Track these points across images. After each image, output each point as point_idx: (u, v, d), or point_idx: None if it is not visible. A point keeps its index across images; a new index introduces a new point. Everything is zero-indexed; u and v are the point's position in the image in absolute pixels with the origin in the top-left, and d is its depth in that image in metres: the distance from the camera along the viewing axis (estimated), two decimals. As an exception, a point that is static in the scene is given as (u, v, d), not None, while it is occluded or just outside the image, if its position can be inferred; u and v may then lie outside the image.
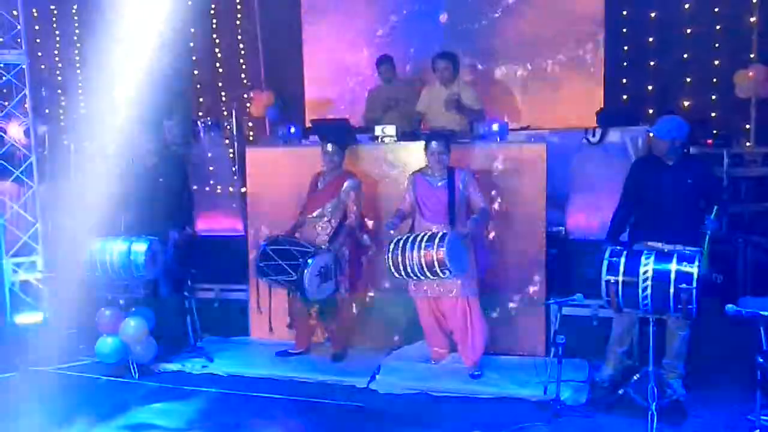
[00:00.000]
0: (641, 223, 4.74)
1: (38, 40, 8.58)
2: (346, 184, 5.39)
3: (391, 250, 4.85)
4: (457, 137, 5.64)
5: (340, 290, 5.37)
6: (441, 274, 4.74)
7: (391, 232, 5.03)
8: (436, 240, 4.71)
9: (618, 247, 4.38)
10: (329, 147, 5.40)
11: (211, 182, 6.93)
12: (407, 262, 4.76)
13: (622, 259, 4.24)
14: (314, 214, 5.38)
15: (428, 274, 4.76)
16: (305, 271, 5.03)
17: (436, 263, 4.68)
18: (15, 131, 6.68)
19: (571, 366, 4.88)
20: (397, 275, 4.90)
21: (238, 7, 9.14)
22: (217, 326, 6.13)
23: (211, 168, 6.95)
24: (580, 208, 5.89)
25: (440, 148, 5.05)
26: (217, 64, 9.27)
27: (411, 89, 7.05)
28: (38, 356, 5.66)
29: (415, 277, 4.87)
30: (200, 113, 8.08)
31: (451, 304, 5.09)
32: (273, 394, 4.96)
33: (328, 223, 5.37)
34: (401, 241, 4.84)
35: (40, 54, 8.58)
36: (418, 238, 4.79)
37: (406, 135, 5.99)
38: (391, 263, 4.85)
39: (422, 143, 5.23)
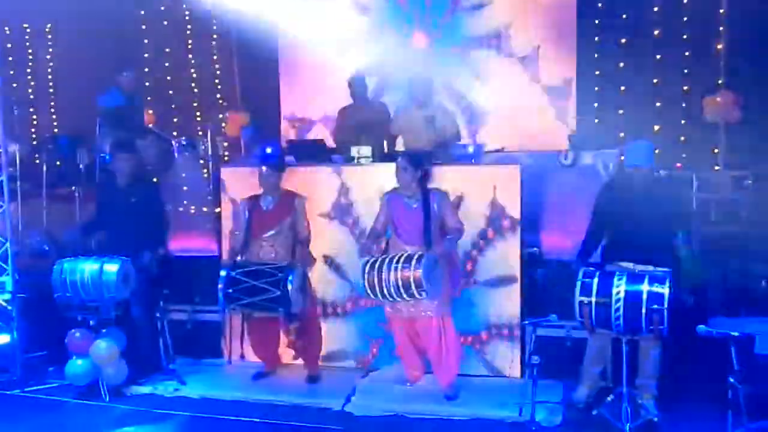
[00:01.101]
0: (613, 244, 4.78)
1: (11, 59, 8.51)
2: (297, 200, 5.44)
3: (366, 271, 4.83)
4: (430, 158, 5.65)
5: (308, 304, 5.37)
6: (417, 295, 4.73)
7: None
8: (413, 261, 4.70)
9: (591, 269, 4.43)
10: (264, 169, 5.40)
11: (185, 202, 6.89)
12: (383, 284, 4.75)
13: (595, 280, 4.29)
14: (268, 234, 5.36)
15: (404, 295, 4.75)
16: (289, 285, 5.02)
17: (412, 284, 4.67)
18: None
19: (546, 387, 4.89)
20: (373, 297, 4.89)
21: (214, 27, 9.15)
22: (190, 348, 6.05)
23: (185, 188, 6.91)
24: (554, 229, 5.96)
25: (404, 164, 5.03)
26: (192, 84, 9.24)
27: (382, 109, 7.12)
28: (6, 378, 5.57)
29: (391, 299, 4.85)
30: (175, 133, 8.04)
31: (426, 324, 5.08)
32: (246, 417, 4.90)
33: (284, 240, 5.37)
34: (377, 263, 4.82)
35: (12, 72, 8.50)
36: (395, 259, 4.78)
37: (382, 156, 6.02)
38: (367, 284, 4.83)
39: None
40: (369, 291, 4.85)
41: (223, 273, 5.13)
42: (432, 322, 5.03)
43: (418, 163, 5.07)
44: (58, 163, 7.29)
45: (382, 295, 4.81)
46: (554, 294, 5.36)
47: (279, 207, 5.42)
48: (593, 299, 4.24)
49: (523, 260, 5.50)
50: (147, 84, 8.63)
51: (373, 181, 5.71)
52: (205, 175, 6.92)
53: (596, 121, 7.75)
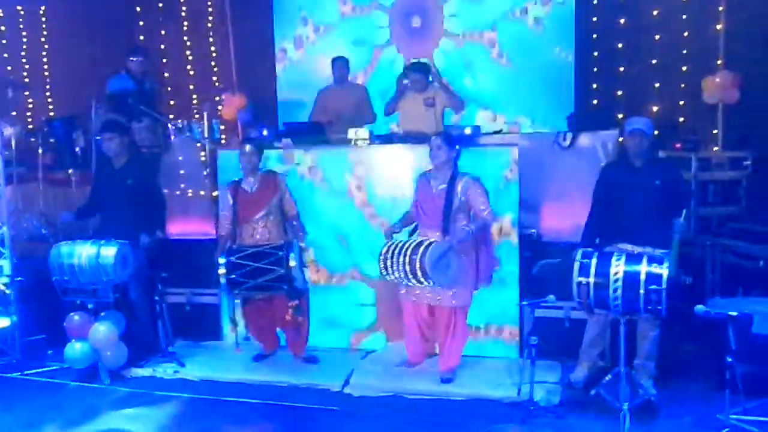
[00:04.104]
0: (612, 226, 4.79)
1: (4, 41, 8.45)
2: (279, 179, 5.44)
3: (383, 252, 4.92)
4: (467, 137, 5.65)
5: (305, 281, 5.40)
6: (425, 282, 4.77)
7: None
8: (421, 249, 4.71)
9: (589, 249, 4.44)
10: (247, 148, 5.40)
11: (182, 185, 6.84)
12: (394, 267, 4.83)
13: (593, 261, 4.29)
14: (258, 216, 5.35)
15: (413, 280, 4.81)
16: (291, 261, 5.07)
17: (418, 272, 4.71)
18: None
19: (544, 367, 4.92)
20: (388, 278, 4.98)
21: (210, 9, 9.10)
22: (189, 330, 6.08)
23: (181, 171, 6.88)
24: (552, 211, 5.99)
25: (439, 142, 4.94)
26: (189, 67, 9.20)
27: (362, 92, 7.12)
28: (6, 362, 5.59)
29: (402, 282, 4.92)
30: (171, 116, 7.99)
31: (437, 312, 5.08)
32: (245, 399, 4.94)
33: (274, 219, 5.38)
34: (393, 246, 4.89)
35: (6, 55, 8.44)
36: (406, 245, 4.81)
37: (380, 138, 6.02)
38: (381, 266, 4.92)
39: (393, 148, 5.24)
40: (383, 272, 4.95)
41: (222, 260, 5.14)
42: (443, 312, 5.03)
43: (454, 142, 5.01)
44: (52, 142, 7.22)
45: (396, 277, 4.89)
46: (552, 275, 5.38)
47: (262, 188, 5.41)
48: (592, 280, 4.25)
49: (521, 242, 5.52)
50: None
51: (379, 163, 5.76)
52: (202, 159, 6.89)
53: (594, 102, 7.75)
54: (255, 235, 5.36)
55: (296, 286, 5.16)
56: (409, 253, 4.76)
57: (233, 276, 5.12)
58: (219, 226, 5.57)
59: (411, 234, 5.14)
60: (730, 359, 4.10)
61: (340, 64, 7.20)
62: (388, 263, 4.87)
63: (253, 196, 5.40)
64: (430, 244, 4.74)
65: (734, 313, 4.10)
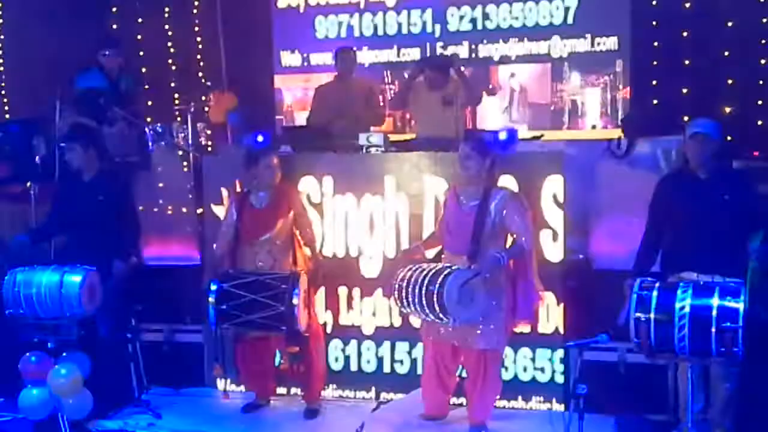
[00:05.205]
0: (674, 250, 4.77)
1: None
2: (295, 194, 5.48)
3: (397, 280, 4.90)
4: (454, 146, 5.64)
5: (311, 322, 5.39)
6: (444, 318, 4.72)
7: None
8: (440, 278, 4.67)
9: (649, 279, 4.40)
10: (274, 160, 5.39)
11: (161, 201, 6.90)
12: (410, 298, 4.80)
13: (655, 293, 4.25)
14: (264, 237, 5.35)
15: (430, 315, 4.77)
16: (294, 298, 5.05)
17: (436, 306, 4.67)
18: None
19: (595, 423, 4.86)
20: (402, 309, 5.01)
21: (196, -8, 9.21)
22: (167, 375, 6.09)
23: (161, 184, 6.93)
24: (604, 232, 5.97)
25: (468, 150, 4.89)
26: (170, 61, 9.25)
27: (368, 90, 7.18)
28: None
29: (418, 314, 4.91)
30: (149, 119, 8.06)
31: (464, 354, 5.05)
32: (233, 458, 4.94)
33: (283, 244, 5.38)
34: (410, 272, 4.86)
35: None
36: (424, 273, 4.78)
37: (396, 144, 6.05)
38: (396, 296, 4.93)
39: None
40: (398, 301, 4.94)
41: (213, 286, 5.15)
42: (471, 354, 4.98)
43: (487, 149, 4.95)
44: (7, 150, 7.27)
45: (410, 309, 4.90)
46: (605, 310, 5.34)
47: (275, 204, 5.41)
48: (652, 315, 4.21)
49: (567, 269, 5.49)
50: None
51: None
52: (185, 169, 6.93)
53: (654, 102, 7.72)
54: (257, 261, 5.37)
55: (298, 330, 5.13)
56: (426, 282, 4.72)
57: (224, 307, 5.12)
58: (216, 244, 5.58)
59: (435, 259, 5.13)
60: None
61: (345, 55, 7.22)
62: (404, 293, 4.84)
63: (261, 213, 5.40)
64: (452, 272, 4.71)
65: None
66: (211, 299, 5.11)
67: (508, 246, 4.92)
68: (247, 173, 5.44)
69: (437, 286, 4.64)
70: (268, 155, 5.39)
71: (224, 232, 5.50)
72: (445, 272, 4.70)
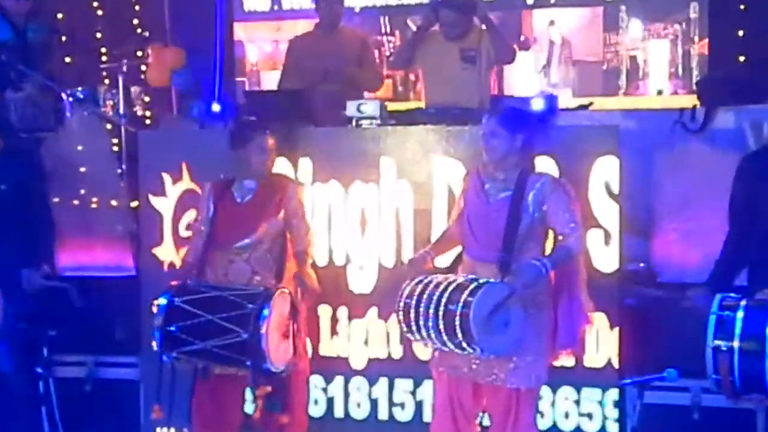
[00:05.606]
0: (765, 257, 4.77)
1: None
2: (291, 188, 5.44)
3: (404, 297, 4.82)
4: (475, 118, 5.64)
5: (296, 360, 5.35)
6: (468, 349, 4.68)
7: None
8: (464, 295, 4.61)
9: (732, 295, 4.40)
10: (269, 142, 5.41)
11: (83, 191, 6.90)
12: (421, 321, 4.73)
13: (739, 315, 4.25)
14: (243, 243, 5.35)
15: (449, 343, 4.70)
16: (262, 324, 4.98)
17: (458, 332, 4.60)
18: None
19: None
20: (409, 335, 4.92)
21: None
22: (90, 420, 6.11)
23: (82, 168, 6.93)
24: (672, 234, 5.96)
25: (493, 125, 4.85)
26: (95, 4, 9.27)
27: (359, 43, 7.21)
28: None
29: (432, 343, 4.84)
30: (67, 81, 8.07)
31: (488, 394, 5.02)
32: None
33: (266, 252, 5.37)
34: (420, 286, 4.78)
35: None
36: (440, 287, 4.71)
37: (396, 116, 6.05)
38: (401, 317, 4.85)
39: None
40: (404, 324, 4.86)
41: (162, 301, 5.10)
42: (499, 393, 4.93)
43: (519, 123, 4.94)
44: None
45: (420, 335, 4.80)
46: (672, 336, 5.35)
47: (262, 199, 5.40)
48: (736, 344, 4.22)
49: (623, 282, 5.48)
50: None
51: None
52: (115, 148, 6.94)
53: (741, 59, 7.72)
54: (229, 272, 5.35)
55: (266, 366, 5.05)
56: (444, 300, 4.65)
57: (172, 329, 5.07)
58: (187, 249, 5.62)
59: (451, 268, 5.11)
60: None
61: None
62: (412, 314, 4.77)
63: (242, 210, 5.40)
64: (480, 286, 4.67)
65: None
66: (157, 322, 5.06)
67: (548, 252, 4.91)
68: (234, 156, 5.44)
69: (460, 305, 4.56)
70: (260, 134, 5.40)
71: (198, 231, 5.53)
72: (471, 287, 4.62)
